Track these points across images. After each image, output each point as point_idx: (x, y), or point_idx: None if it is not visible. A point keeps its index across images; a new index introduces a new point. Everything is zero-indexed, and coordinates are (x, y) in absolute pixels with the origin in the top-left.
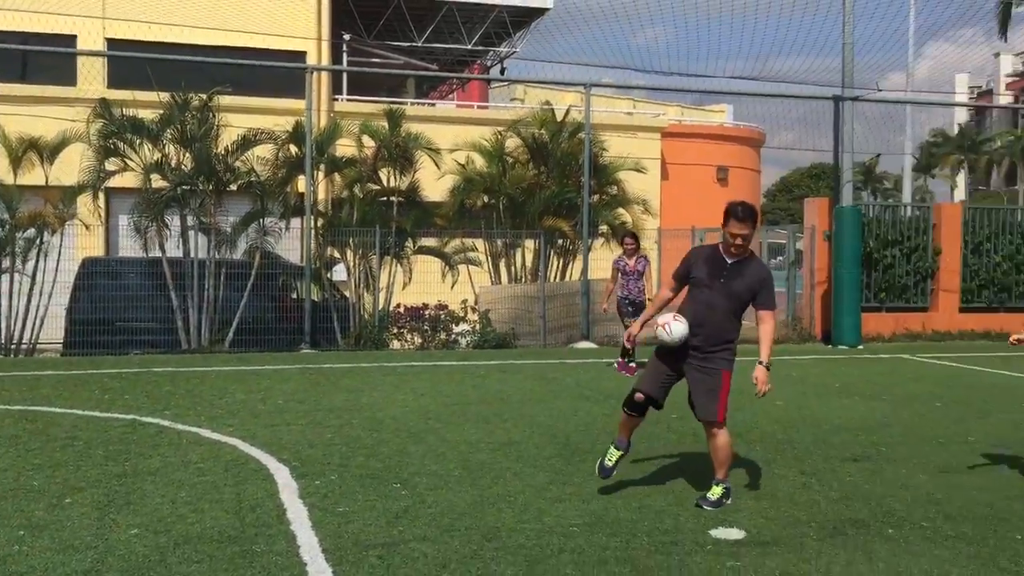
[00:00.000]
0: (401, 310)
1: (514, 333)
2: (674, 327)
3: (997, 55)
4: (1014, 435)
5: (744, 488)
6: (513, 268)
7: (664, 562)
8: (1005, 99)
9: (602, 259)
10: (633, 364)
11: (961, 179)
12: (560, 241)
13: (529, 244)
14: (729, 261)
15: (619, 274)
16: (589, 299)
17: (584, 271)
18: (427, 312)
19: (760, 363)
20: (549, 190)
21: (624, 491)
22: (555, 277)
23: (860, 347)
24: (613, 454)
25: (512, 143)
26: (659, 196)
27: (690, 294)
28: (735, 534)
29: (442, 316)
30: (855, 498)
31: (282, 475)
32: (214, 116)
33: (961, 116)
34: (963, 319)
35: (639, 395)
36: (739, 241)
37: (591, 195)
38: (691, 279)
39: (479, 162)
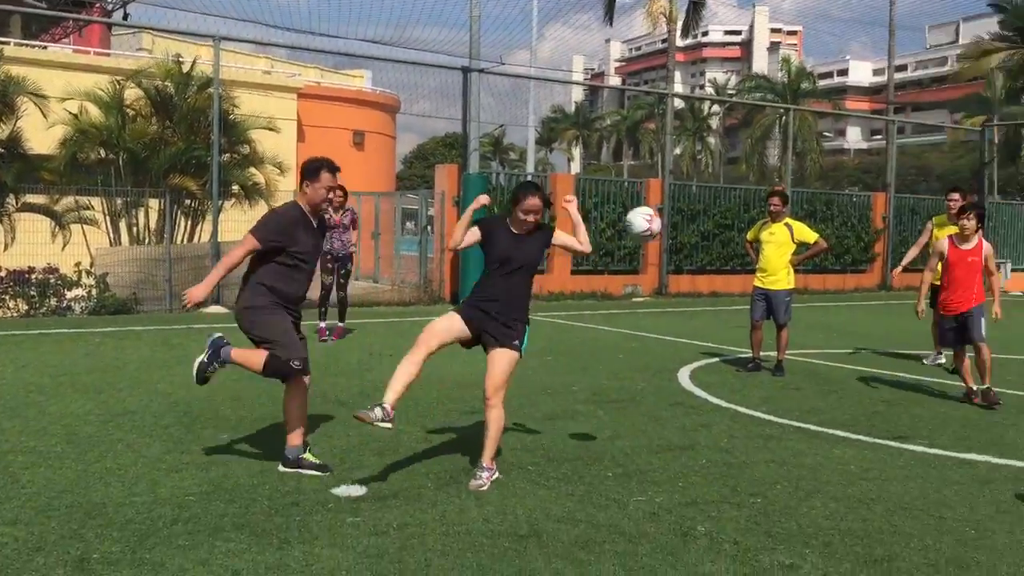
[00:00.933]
0: (2, 274)
1: (136, 298)
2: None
3: (608, 41)
4: (611, 382)
5: (368, 445)
6: (136, 229)
7: (284, 523)
8: (614, 81)
9: (234, 220)
10: (323, 325)
11: (577, 152)
12: (188, 201)
13: (154, 203)
14: (315, 223)
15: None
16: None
17: (214, 232)
18: (33, 276)
19: None
20: (175, 146)
21: (245, 457)
22: (183, 239)
23: None
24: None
25: (133, 94)
26: (295, 157)
27: (277, 266)
28: (357, 491)
29: (52, 280)
30: (470, 449)
31: None
32: None
33: (577, 95)
34: (574, 281)
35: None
36: (339, 194)
37: (221, 153)
38: (295, 252)
39: (95, 113)
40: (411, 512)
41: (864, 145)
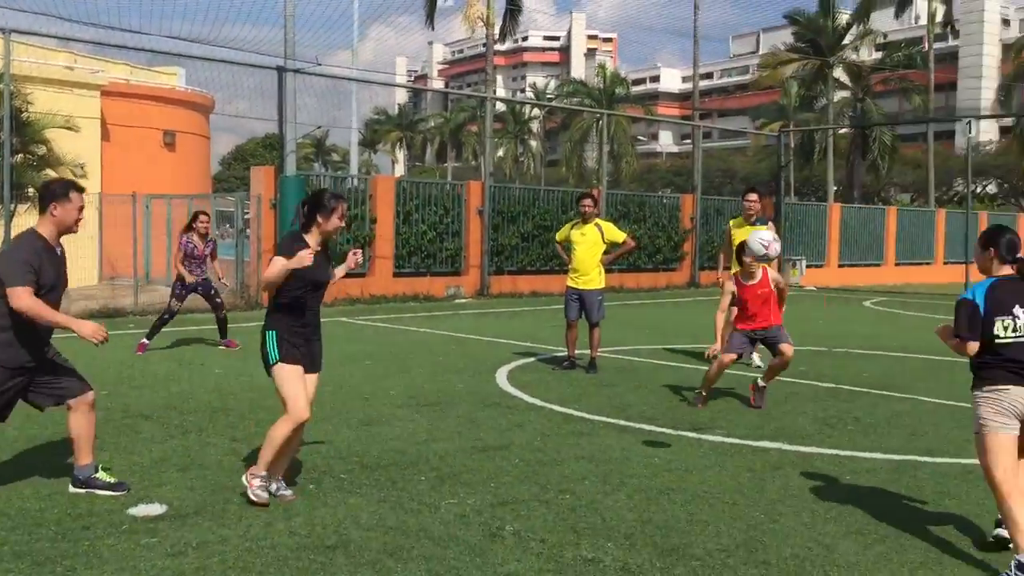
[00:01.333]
0: None
1: None
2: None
3: (431, 44)
4: (430, 385)
5: (171, 460)
6: None
7: (71, 549)
8: (438, 83)
9: (29, 225)
10: (147, 342)
11: (401, 154)
12: None
13: None
14: (59, 250)
15: (185, 256)
16: None
17: (6, 240)
18: None
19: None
20: None
21: (34, 479)
22: None
23: None
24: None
25: None
26: (99, 158)
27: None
28: (156, 509)
29: None
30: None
31: None
32: None
33: (401, 97)
34: (396, 283)
35: None
36: (205, 220)
37: (14, 154)
38: (42, 283)
39: None
40: (213, 529)
41: (675, 149)
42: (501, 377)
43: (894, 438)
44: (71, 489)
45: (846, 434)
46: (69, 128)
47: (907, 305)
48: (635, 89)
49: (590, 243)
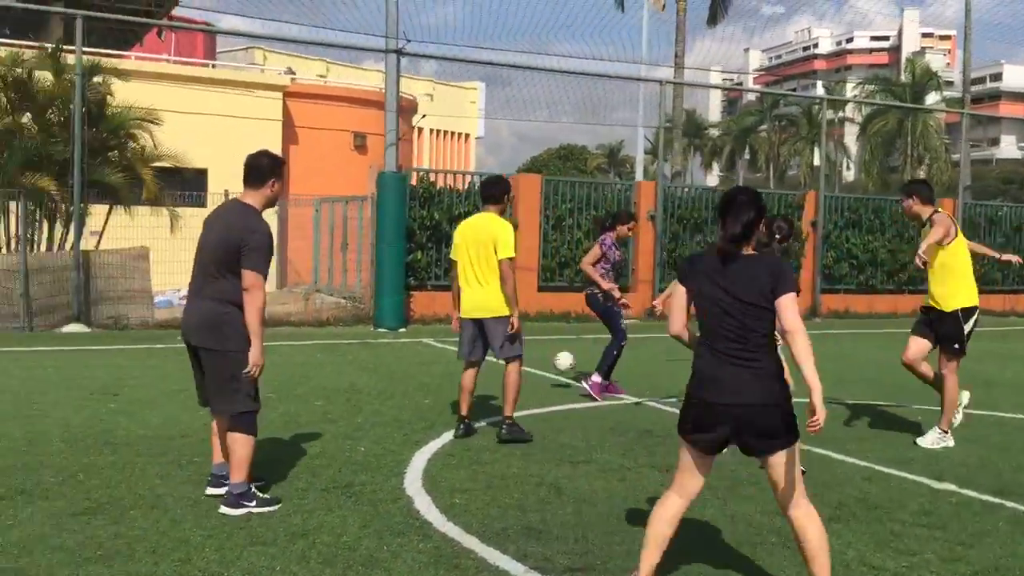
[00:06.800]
0: None
1: None
2: None
3: (746, 50)
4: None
5: None
6: None
7: None
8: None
9: (122, 226)
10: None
11: (694, 163)
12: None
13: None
14: None
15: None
16: (82, 273)
17: (77, 239)
18: None
19: None
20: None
21: None
22: (57, 246)
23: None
24: None
25: None
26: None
27: None
28: None
29: None
30: None
31: None
32: None
33: (714, 107)
34: (541, 299)
35: None
36: None
37: (86, 148)
38: None
39: None
40: None
41: (1019, 155)
42: (420, 460)
43: None
44: None
45: None
46: (151, 121)
47: None
48: (973, 88)
49: None
